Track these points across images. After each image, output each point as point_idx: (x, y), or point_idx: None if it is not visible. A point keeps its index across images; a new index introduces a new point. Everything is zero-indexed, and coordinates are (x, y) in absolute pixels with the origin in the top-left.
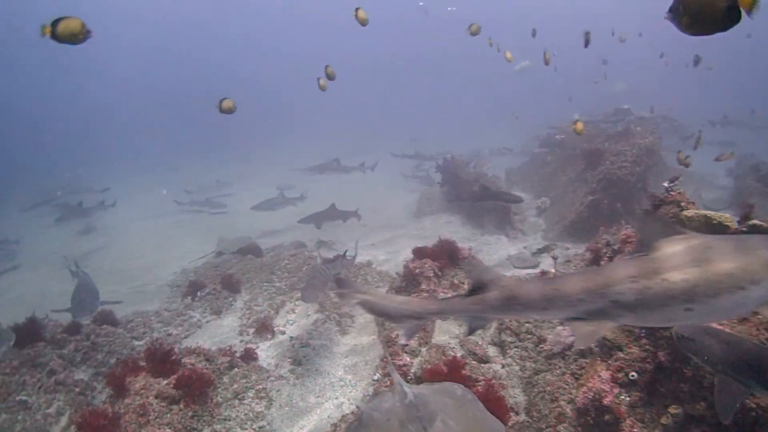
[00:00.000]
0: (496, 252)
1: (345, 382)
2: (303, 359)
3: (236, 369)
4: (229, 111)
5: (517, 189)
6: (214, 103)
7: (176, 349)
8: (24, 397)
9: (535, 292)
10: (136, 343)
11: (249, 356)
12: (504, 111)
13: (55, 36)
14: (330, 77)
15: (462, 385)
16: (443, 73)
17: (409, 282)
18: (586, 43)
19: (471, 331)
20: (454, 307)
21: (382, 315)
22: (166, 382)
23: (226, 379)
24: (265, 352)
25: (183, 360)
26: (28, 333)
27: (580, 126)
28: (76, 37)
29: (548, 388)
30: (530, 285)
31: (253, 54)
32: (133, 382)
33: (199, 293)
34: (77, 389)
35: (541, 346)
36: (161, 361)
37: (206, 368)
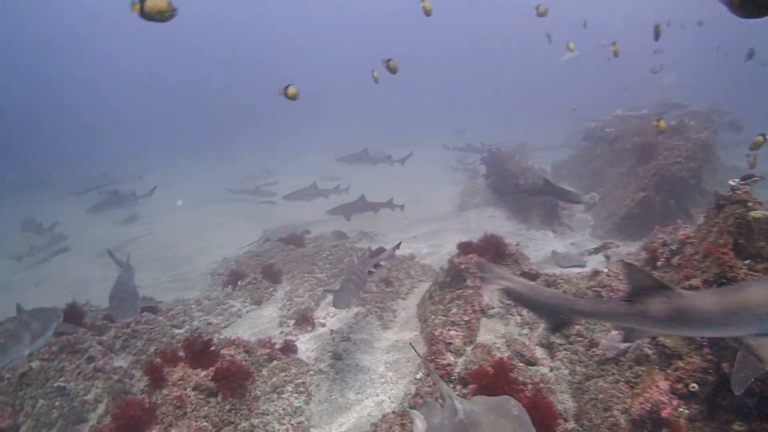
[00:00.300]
0: (543, 248)
1: (386, 379)
2: (343, 353)
3: (275, 362)
4: (294, 97)
5: (564, 183)
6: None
7: (215, 340)
8: (62, 384)
9: (712, 305)
10: (176, 331)
11: (288, 349)
12: (548, 103)
13: (143, 13)
14: (392, 71)
15: (519, 405)
16: (487, 64)
17: (453, 278)
18: (657, 36)
19: (626, 341)
20: (609, 312)
21: (527, 305)
22: (204, 373)
23: (265, 372)
24: (305, 345)
25: (222, 351)
26: (69, 318)
27: (663, 124)
28: (163, 15)
29: (600, 396)
30: (705, 296)
31: (288, 45)
32: (171, 373)
33: (239, 282)
34: (116, 377)
35: (593, 350)
36: (200, 351)
37: (245, 360)
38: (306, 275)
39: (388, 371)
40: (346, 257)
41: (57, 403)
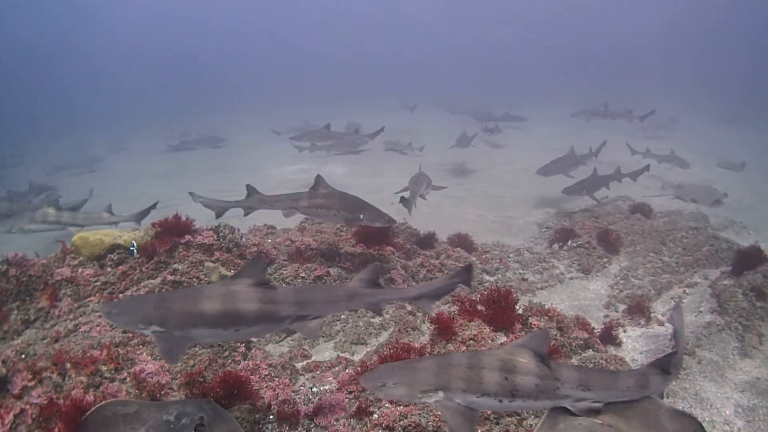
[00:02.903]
0: None
1: (732, 428)
2: (681, 371)
3: (591, 351)
4: None
5: None
6: None
7: (527, 303)
8: None
9: None
10: (486, 277)
11: (609, 338)
12: None
13: None
14: None
15: None
16: None
17: None
18: None
19: None
20: None
21: None
22: (502, 341)
23: (574, 361)
24: (632, 342)
25: (530, 319)
26: (382, 233)
27: None
28: None
29: None
30: None
31: None
32: (464, 327)
33: (569, 242)
34: (409, 307)
35: None
36: (503, 310)
37: (554, 339)
38: (651, 254)
39: (737, 418)
40: (705, 246)
41: (343, 317)
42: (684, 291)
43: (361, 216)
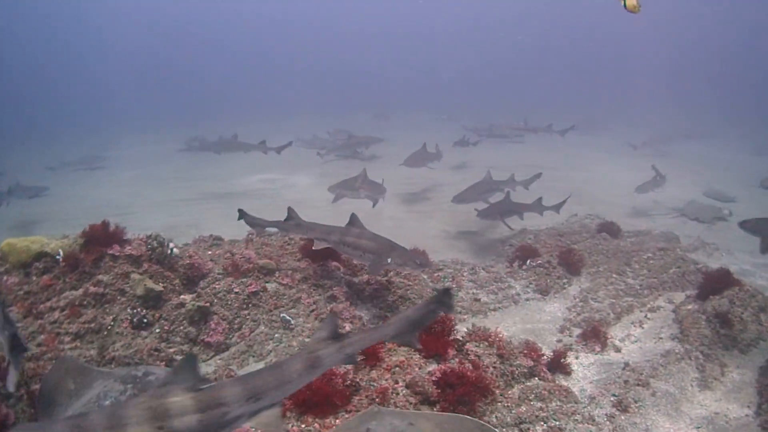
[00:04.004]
0: None
1: None
2: (632, 404)
3: (536, 380)
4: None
5: None
6: None
7: (460, 332)
8: (289, 317)
9: None
10: None
11: (558, 367)
12: None
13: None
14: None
15: None
16: None
17: None
18: None
19: None
20: None
21: None
22: (429, 369)
23: (515, 392)
24: (584, 370)
25: (467, 345)
26: (327, 251)
27: None
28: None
29: None
30: None
31: None
32: (391, 353)
33: (529, 261)
34: (348, 327)
35: None
36: (437, 337)
37: (494, 367)
38: (614, 276)
39: None
40: (672, 268)
41: (276, 335)
42: (646, 315)
43: (389, 260)
